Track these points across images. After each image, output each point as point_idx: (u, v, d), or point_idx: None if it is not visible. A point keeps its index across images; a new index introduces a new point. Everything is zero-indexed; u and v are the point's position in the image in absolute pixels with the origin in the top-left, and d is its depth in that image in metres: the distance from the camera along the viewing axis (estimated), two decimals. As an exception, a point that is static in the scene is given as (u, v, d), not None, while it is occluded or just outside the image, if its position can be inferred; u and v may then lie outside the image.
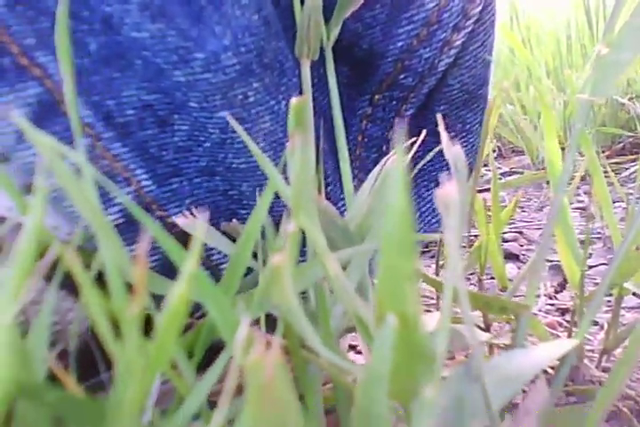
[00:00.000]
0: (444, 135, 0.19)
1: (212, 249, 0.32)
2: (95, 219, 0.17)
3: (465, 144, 0.38)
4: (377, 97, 0.35)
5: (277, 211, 0.32)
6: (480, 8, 0.34)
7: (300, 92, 0.32)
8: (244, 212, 0.33)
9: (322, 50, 0.31)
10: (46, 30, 0.26)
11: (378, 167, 0.29)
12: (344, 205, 0.35)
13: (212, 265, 0.33)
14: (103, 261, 0.19)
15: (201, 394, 0.20)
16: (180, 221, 0.28)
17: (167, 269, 0.30)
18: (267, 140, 0.31)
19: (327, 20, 0.32)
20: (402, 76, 0.35)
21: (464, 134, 0.38)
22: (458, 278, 0.16)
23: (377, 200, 0.27)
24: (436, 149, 0.36)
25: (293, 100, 0.21)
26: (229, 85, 0.29)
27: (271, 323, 0.27)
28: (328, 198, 0.34)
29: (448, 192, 0.14)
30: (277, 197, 0.32)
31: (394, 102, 0.35)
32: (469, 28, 0.34)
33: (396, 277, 0.14)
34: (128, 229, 0.29)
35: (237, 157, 0.31)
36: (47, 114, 0.27)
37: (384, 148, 0.36)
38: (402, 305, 0.14)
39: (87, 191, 0.18)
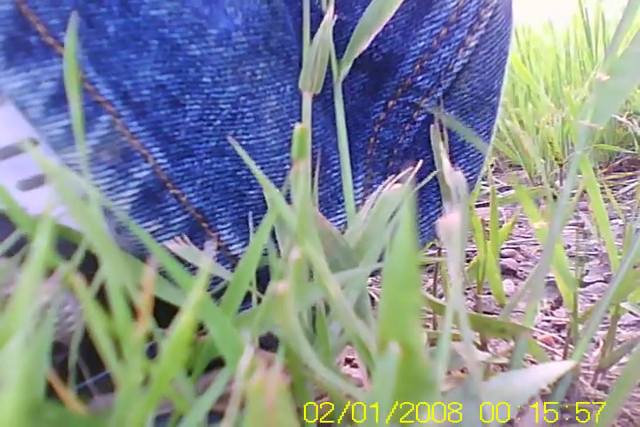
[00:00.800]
0: (445, 162, 0.20)
1: (230, 240, 0.33)
2: (101, 242, 0.17)
3: (471, 151, 0.39)
4: (391, 103, 0.37)
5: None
6: (491, 13, 0.35)
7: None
8: (252, 192, 0.33)
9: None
10: (69, 13, 0.28)
11: (377, 191, 0.30)
12: (341, 195, 0.36)
13: (230, 255, 0.33)
14: (106, 282, 0.19)
15: (200, 414, 0.20)
16: (173, 247, 0.28)
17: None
18: (273, 118, 0.33)
19: (338, 52, 0.33)
20: (420, 78, 0.36)
21: (471, 141, 0.39)
22: (459, 304, 0.16)
23: (374, 223, 0.28)
24: (433, 174, 0.37)
25: (296, 127, 0.22)
26: (239, 61, 0.31)
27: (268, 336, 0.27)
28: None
29: (450, 221, 0.14)
30: (284, 175, 0.34)
31: (407, 108, 0.37)
32: (482, 31, 0.35)
33: (400, 307, 0.14)
34: (145, 206, 0.31)
35: (247, 133, 0.32)
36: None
37: (395, 151, 0.38)
38: (405, 335, 0.14)
39: (93, 214, 0.19)
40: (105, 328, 0.18)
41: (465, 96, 0.37)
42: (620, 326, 0.62)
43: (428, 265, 0.79)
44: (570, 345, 0.49)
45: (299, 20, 0.33)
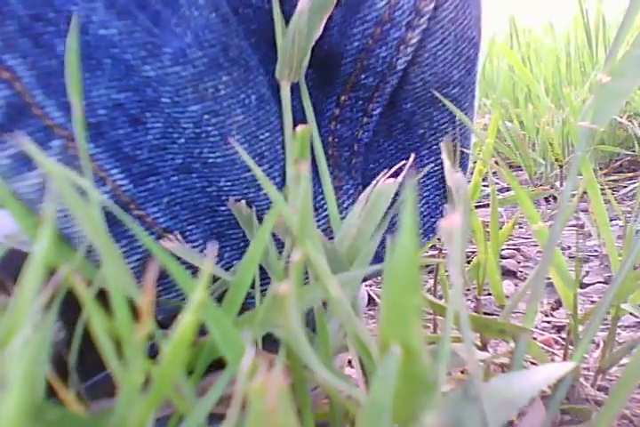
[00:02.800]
0: (446, 162, 0.20)
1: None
2: (101, 242, 0.17)
3: (434, 143, 0.38)
4: (343, 98, 0.35)
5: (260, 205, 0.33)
6: (433, 5, 0.33)
7: (269, 91, 0.33)
8: (223, 208, 0.32)
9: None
10: (13, 33, 0.26)
11: (368, 190, 0.29)
12: (324, 211, 0.35)
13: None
14: (106, 282, 0.19)
15: (201, 415, 0.20)
16: (168, 244, 0.28)
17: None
18: (241, 133, 0.31)
19: None
20: (363, 76, 0.35)
21: (432, 133, 0.38)
22: (460, 305, 0.16)
23: (369, 217, 0.27)
24: (428, 169, 0.37)
25: (298, 129, 0.22)
26: (199, 78, 0.29)
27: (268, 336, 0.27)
28: None
29: (451, 223, 0.14)
30: (258, 190, 0.32)
31: (360, 102, 0.36)
32: (424, 26, 0.34)
33: (401, 308, 0.14)
34: (107, 230, 0.29)
35: (213, 152, 0.31)
36: (18, 116, 0.27)
37: (355, 147, 0.36)
38: (406, 337, 0.14)
39: (94, 215, 0.19)
40: (106, 329, 0.18)
41: (418, 90, 0.36)
42: (620, 327, 0.62)
43: (428, 266, 0.79)
44: (570, 346, 0.49)
45: (236, 19, 0.32)
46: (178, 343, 0.15)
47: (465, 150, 0.39)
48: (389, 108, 0.37)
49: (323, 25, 0.31)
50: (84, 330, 0.22)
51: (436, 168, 0.39)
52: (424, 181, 0.39)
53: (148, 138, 0.30)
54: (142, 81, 0.29)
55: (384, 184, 0.30)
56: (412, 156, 0.37)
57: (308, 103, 0.32)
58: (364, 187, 0.37)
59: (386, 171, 0.32)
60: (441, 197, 0.40)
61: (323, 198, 0.35)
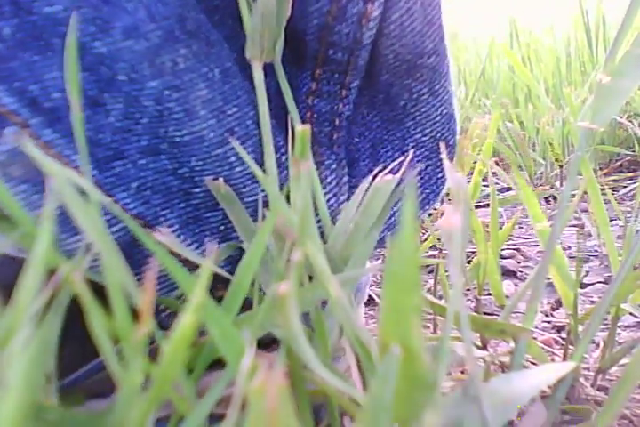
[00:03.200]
0: (446, 163, 0.20)
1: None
2: (101, 240, 0.17)
3: (417, 113, 0.37)
4: (318, 72, 0.34)
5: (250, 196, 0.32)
6: None
7: (236, 66, 0.31)
8: (197, 190, 0.31)
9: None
10: None
11: (364, 185, 0.29)
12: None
13: (184, 260, 0.31)
14: (106, 281, 0.19)
15: (201, 415, 0.20)
16: (162, 238, 0.27)
17: (130, 243, 0.29)
18: (207, 109, 0.30)
19: None
20: (331, 52, 0.34)
21: (414, 104, 0.37)
22: (460, 305, 0.16)
23: (362, 220, 0.27)
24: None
25: (297, 129, 0.21)
26: (154, 52, 0.28)
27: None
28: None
29: (451, 223, 0.14)
30: (232, 168, 0.31)
31: (336, 75, 0.34)
32: None
33: (401, 309, 0.14)
34: (70, 220, 0.28)
35: (179, 129, 0.29)
36: None
37: (336, 121, 0.35)
38: (406, 337, 0.14)
39: (93, 214, 0.19)
40: (106, 329, 0.18)
41: (391, 61, 0.35)
42: (620, 327, 0.62)
43: (428, 266, 0.79)
44: (570, 346, 0.49)
45: (209, 5, 0.30)
46: (178, 343, 0.15)
47: (451, 116, 0.39)
48: (368, 81, 0.36)
49: (290, 6, 0.30)
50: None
51: (424, 138, 0.38)
52: (414, 153, 0.38)
53: (110, 120, 0.28)
54: (94, 59, 0.27)
55: (382, 180, 0.29)
56: (410, 154, 0.37)
57: (283, 79, 0.31)
58: (349, 162, 0.36)
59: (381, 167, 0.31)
60: (433, 166, 0.39)
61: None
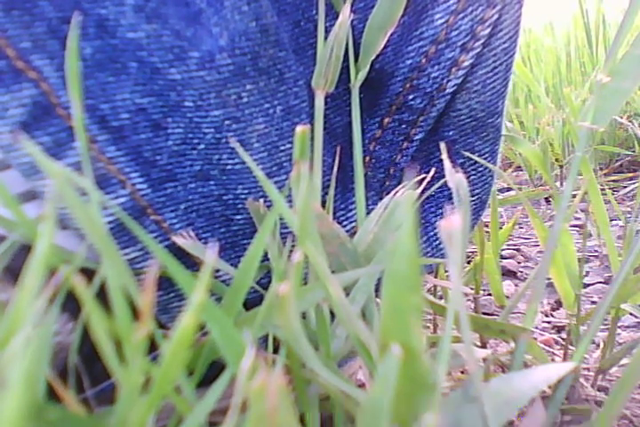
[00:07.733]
0: (446, 163, 0.20)
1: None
2: (102, 242, 0.17)
3: (474, 173, 0.38)
4: (386, 120, 0.36)
5: (283, 232, 0.33)
6: (489, 30, 0.33)
7: (304, 104, 0.33)
8: (239, 217, 0.32)
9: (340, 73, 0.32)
10: (41, 35, 0.27)
11: (389, 197, 0.29)
12: (349, 223, 0.35)
13: (221, 281, 0.33)
14: (107, 282, 0.19)
15: (201, 415, 0.20)
16: (180, 241, 0.28)
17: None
18: (261, 142, 0.31)
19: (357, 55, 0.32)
20: (411, 97, 0.35)
21: (472, 162, 0.38)
22: (460, 306, 0.16)
23: (384, 228, 0.27)
24: (444, 180, 0.36)
25: (297, 128, 0.21)
26: (223, 84, 0.30)
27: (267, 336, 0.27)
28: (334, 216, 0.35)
29: (451, 223, 0.14)
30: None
31: (403, 126, 0.36)
32: (477, 50, 0.34)
33: (401, 308, 0.14)
34: (122, 233, 0.29)
35: (232, 158, 0.31)
36: (42, 116, 0.27)
37: (391, 170, 0.36)
38: (406, 336, 0.14)
39: (94, 215, 0.19)
40: (106, 329, 0.18)
41: (463, 117, 0.36)
42: (620, 327, 0.62)
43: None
44: (570, 346, 0.49)
45: (296, 32, 0.32)
46: (178, 344, 0.15)
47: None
48: (431, 135, 0.37)
49: (383, 42, 0.31)
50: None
51: (475, 199, 0.39)
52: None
53: (169, 143, 0.30)
54: (167, 84, 0.29)
55: (404, 194, 0.29)
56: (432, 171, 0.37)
57: (357, 116, 0.32)
58: None
59: (405, 183, 0.32)
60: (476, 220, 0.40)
61: (345, 214, 0.35)
